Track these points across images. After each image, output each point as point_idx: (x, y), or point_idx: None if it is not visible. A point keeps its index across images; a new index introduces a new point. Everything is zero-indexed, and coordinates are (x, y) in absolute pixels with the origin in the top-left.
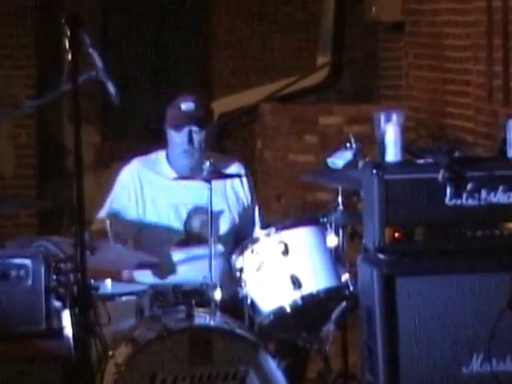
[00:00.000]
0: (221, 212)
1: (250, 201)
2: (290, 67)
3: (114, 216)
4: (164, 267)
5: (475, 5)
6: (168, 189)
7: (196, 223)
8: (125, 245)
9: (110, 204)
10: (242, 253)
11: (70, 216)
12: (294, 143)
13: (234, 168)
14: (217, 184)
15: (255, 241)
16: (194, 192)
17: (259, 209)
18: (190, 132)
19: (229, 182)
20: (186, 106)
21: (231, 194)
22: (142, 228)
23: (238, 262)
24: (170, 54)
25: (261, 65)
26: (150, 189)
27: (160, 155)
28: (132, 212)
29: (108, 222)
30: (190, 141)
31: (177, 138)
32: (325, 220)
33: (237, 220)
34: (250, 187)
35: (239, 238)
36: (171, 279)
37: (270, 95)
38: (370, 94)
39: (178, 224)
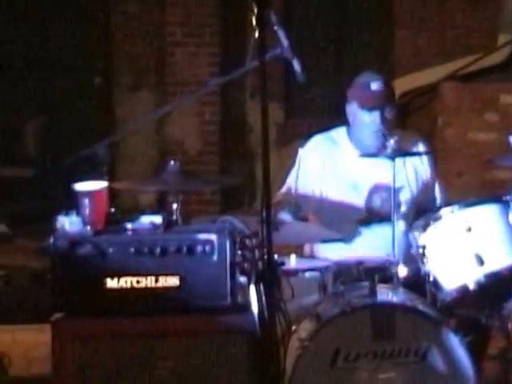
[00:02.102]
0: (401, 188)
1: (429, 177)
2: (471, 46)
3: (296, 192)
4: (349, 243)
5: None
6: (349, 166)
7: (377, 201)
8: (305, 221)
9: (292, 180)
10: (424, 229)
11: (252, 193)
12: (475, 121)
13: (416, 145)
14: (397, 161)
15: (438, 218)
16: (375, 169)
17: (441, 186)
18: (383, 112)
19: (409, 159)
20: (377, 85)
21: (411, 170)
22: (323, 205)
23: (421, 238)
24: (351, 32)
25: (441, 43)
26: (332, 166)
27: (341, 132)
28: (314, 188)
29: (290, 195)
30: (383, 121)
31: (367, 118)
32: (508, 198)
33: (417, 197)
34: (430, 164)
35: (419, 215)
36: (355, 256)
37: (450, 74)
38: None
39: (358, 202)
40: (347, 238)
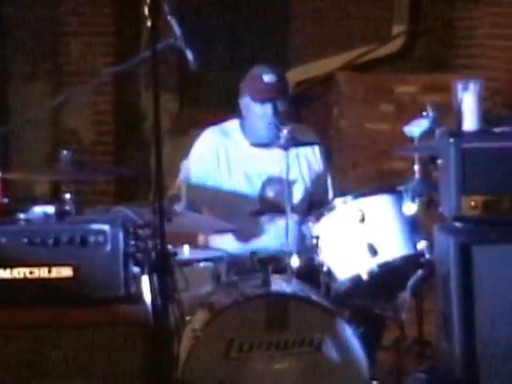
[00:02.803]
0: (294, 181)
1: (322, 169)
2: (366, 36)
3: (190, 184)
4: (243, 234)
5: None
6: (242, 158)
7: (270, 193)
8: (200, 212)
9: (186, 172)
10: (318, 220)
11: (146, 183)
12: (370, 112)
13: (308, 136)
14: (290, 153)
15: (332, 208)
16: (268, 162)
17: (332, 177)
18: (276, 104)
19: (301, 151)
20: (269, 78)
21: (304, 162)
22: (216, 196)
23: (315, 229)
24: (246, 22)
25: (337, 34)
26: (225, 158)
27: (234, 124)
28: (207, 181)
29: (183, 187)
30: (276, 113)
31: (260, 110)
32: (401, 188)
33: (310, 188)
34: (322, 155)
35: (312, 206)
36: (248, 247)
37: (345, 64)
38: (445, 63)
39: (252, 193)
40: (241, 228)
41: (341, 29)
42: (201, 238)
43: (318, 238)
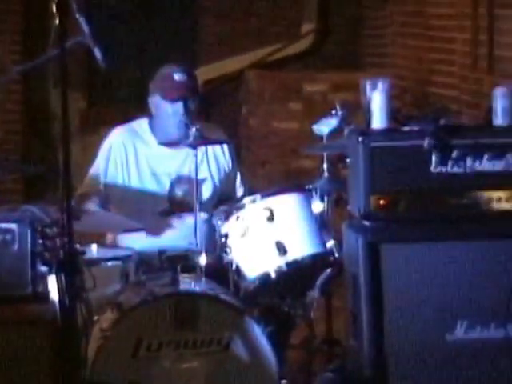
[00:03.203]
0: (203, 179)
1: (231, 167)
2: (275, 34)
3: (98, 184)
4: (152, 233)
5: None
6: (151, 158)
7: (179, 192)
8: (109, 211)
9: (94, 172)
10: (227, 219)
11: (55, 181)
12: (279, 110)
13: (217, 135)
14: (199, 152)
15: (240, 207)
16: (177, 161)
17: (241, 175)
18: (186, 103)
19: (210, 149)
20: (179, 76)
21: (213, 161)
22: (126, 195)
23: (223, 228)
24: (155, 20)
25: (246, 32)
26: (134, 157)
27: (143, 123)
28: (116, 180)
29: (92, 186)
30: (186, 112)
31: (170, 109)
32: (310, 187)
33: (218, 187)
34: (231, 154)
35: (222, 204)
36: (157, 245)
37: (254, 62)
38: (354, 62)
39: (161, 192)
40: (150, 227)
41: (250, 27)
42: (109, 237)
43: (226, 236)
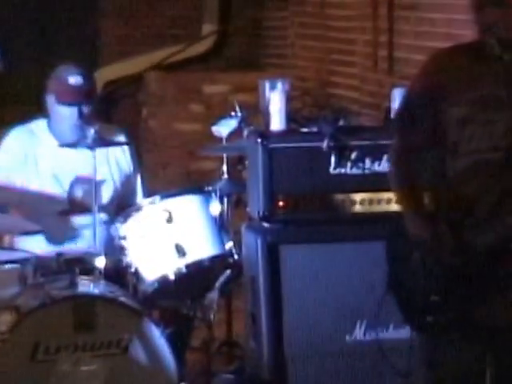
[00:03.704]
0: (103, 181)
1: (131, 169)
2: (176, 35)
3: None
4: (53, 235)
5: None
6: (50, 158)
7: (78, 192)
8: (7, 213)
9: None
10: (125, 221)
11: None
12: (180, 112)
13: (117, 137)
14: (99, 153)
15: (139, 209)
16: (76, 161)
17: (142, 177)
18: (80, 107)
19: (111, 151)
20: (75, 80)
21: (113, 162)
22: (24, 197)
23: (122, 229)
24: (55, 21)
25: (146, 33)
26: (33, 158)
27: (41, 124)
28: (15, 180)
29: None
30: (81, 116)
31: (65, 112)
32: (209, 188)
33: (119, 188)
34: (131, 156)
35: (121, 207)
36: (56, 247)
37: (155, 63)
38: (256, 63)
39: (60, 193)
40: (48, 229)
41: (150, 28)
42: (6, 239)
43: (125, 238)
